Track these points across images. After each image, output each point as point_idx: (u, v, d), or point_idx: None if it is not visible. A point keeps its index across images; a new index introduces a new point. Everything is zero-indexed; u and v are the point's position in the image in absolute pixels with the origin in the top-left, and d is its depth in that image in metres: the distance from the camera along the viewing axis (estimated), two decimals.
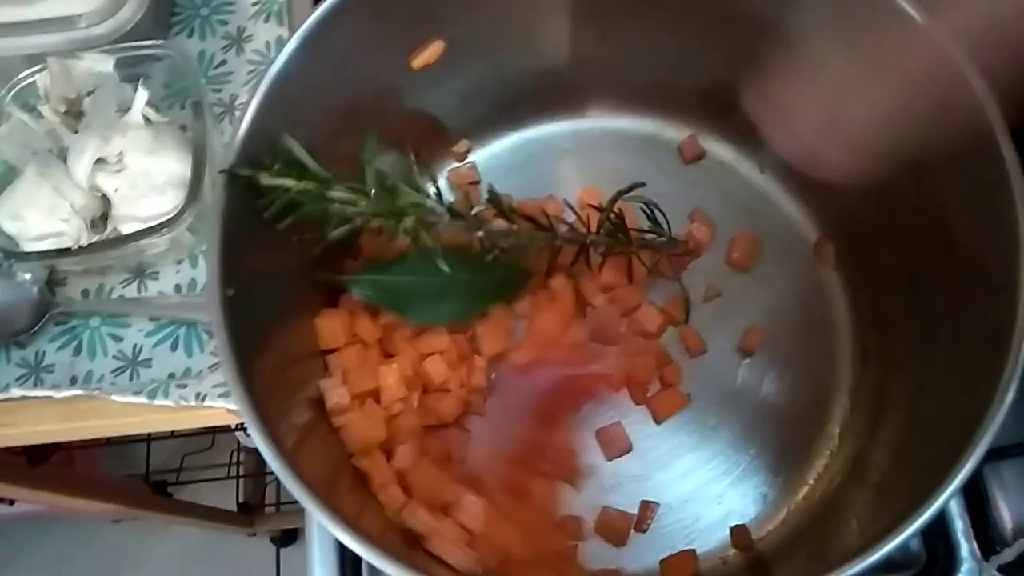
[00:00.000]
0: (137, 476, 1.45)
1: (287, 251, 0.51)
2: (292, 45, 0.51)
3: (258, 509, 1.44)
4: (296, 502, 1.38)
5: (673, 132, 0.66)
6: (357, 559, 0.53)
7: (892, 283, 0.56)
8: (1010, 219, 0.43)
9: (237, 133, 0.49)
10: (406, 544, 0.48)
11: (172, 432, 1.39)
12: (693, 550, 0.55)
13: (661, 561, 0.54)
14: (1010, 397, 0.41)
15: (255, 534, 1.43)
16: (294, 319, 0.55)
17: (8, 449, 1.03)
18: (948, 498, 0.40)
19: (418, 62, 0.57)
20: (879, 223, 0.57)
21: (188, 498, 1.34)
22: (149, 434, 1.43)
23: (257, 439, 0.43)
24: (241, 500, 1.43)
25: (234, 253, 0.47)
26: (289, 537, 1.49)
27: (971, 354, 0.46)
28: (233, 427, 1.27)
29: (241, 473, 1.45)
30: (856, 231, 0.60)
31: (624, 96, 0.66)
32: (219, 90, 0.69)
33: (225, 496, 1.41)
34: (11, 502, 1.06)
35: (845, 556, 0.40)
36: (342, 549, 0.53)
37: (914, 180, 0.51)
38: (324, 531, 0.53)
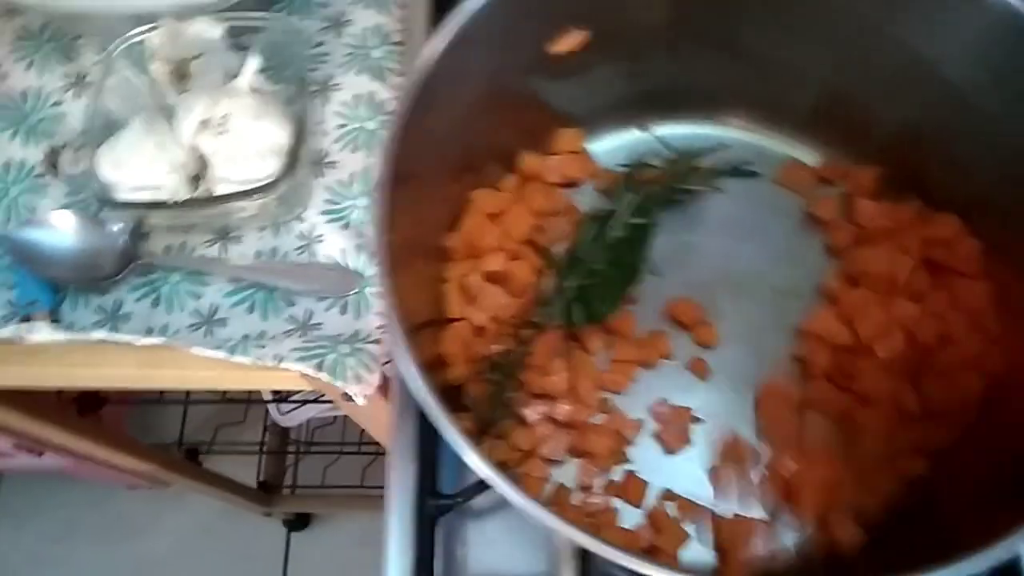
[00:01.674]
0: (165, 445, 1.47)
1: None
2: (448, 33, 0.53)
3: (276, 489, 1.45)
4: (314, 486, 1.41)
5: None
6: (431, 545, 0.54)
7: None
8: None
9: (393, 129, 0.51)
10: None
11: (223, 394, 1.41)
12: None
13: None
14: None
15: (270, 514, 1.44)
16: None
17: (60, 397, 1.06)
18: None
19: (559, 47, 0.58)
20: None
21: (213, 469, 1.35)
22: (186, 400, 1.45)
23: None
24: (262, 479, 1.45)
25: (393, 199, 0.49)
26: (302, 522, 1.50)
27: None
28: (269, 400, 1.30)
29: (265, 451, 1.46)
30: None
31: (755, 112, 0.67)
32: (315, 70, 0.71)
33: (247, 473, 1.43)
34: (40, 454, 1.08)
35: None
36: (418, 534, 0.53)
37: None
38: (404, 513, 0.53)
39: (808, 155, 0.67)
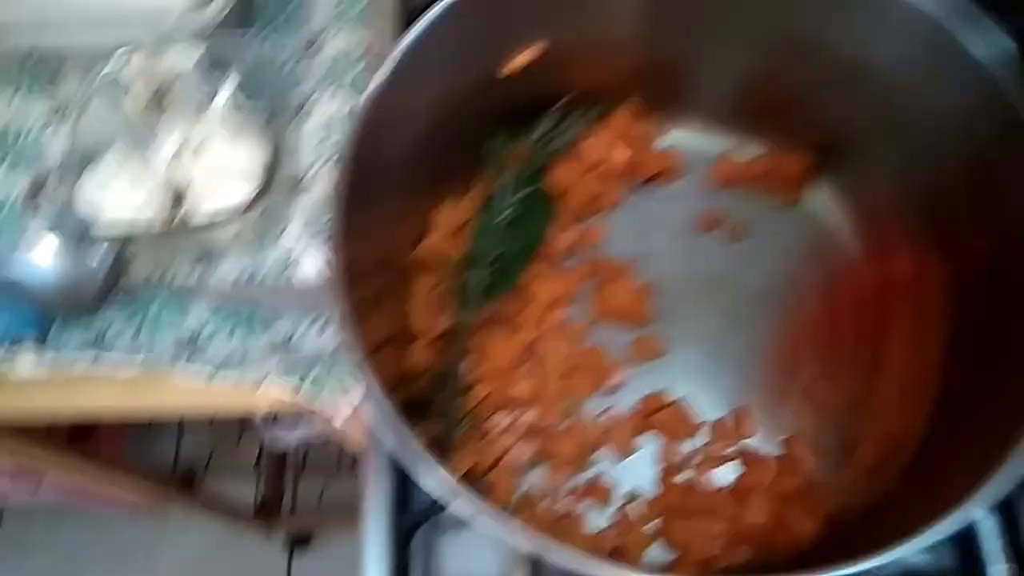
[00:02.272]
0: (162, 470, 1.47)
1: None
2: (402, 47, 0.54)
3: (275, 511, 1.45)
4: (312, 506, 1.40)
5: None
6: (407, 559, 0.55)
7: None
8: None
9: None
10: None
11: (211, 422, 1.42)
12: None
13: None
14: None
15: (270, 536, 1.44)
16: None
17: (51, 426, 1.06)
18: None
19: (517, 62, 0.59)
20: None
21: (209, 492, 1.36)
22: (180, 425, 1.45)
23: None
24: (260, 501, 1.45)
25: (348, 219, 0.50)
26: (302, 542, 1.50)
27: None
28: (262, 421, 1.30)
29: (263, 473, 1.46)
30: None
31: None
32: (295, 89, 0.72)
33: (244, 496, 1.43)
34: (35, 488, 1.08)
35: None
36: (394, 548, 0.53)
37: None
38: (379, 526, 0.54)
39: (740, 150, 0.68)
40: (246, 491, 1.44)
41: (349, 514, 1.45)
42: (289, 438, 1.29)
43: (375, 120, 0.51)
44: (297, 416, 1.26)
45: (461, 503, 0.39)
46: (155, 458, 1.49)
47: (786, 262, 0.64)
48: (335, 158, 0.50)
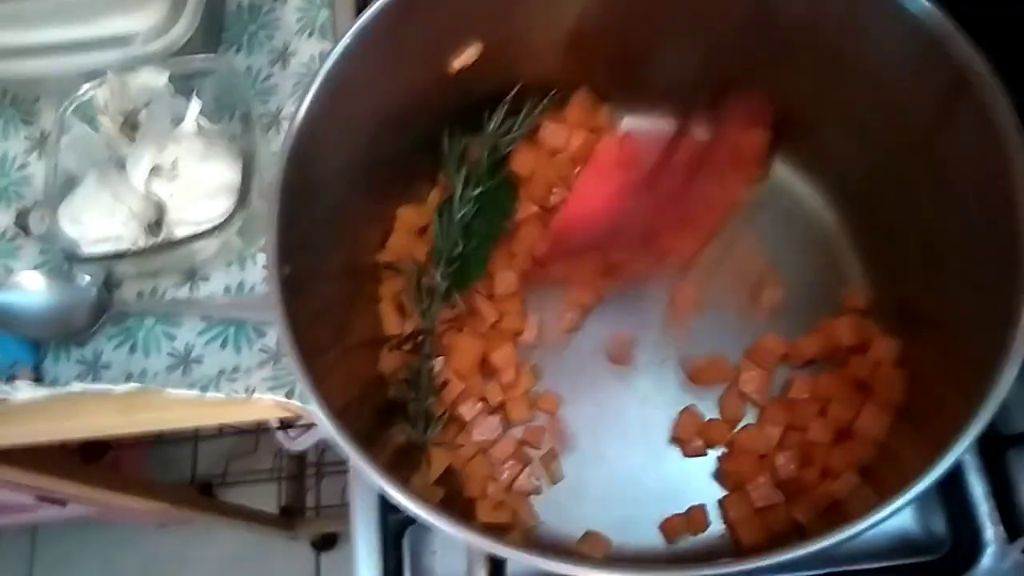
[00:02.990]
0: (183, 482, 1.49)
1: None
2: (336, 53, 0.54)
3: (298, 513, 1.47)
4: (336, 505, 1.42)
5: None
6: (399, 558, 0.56)
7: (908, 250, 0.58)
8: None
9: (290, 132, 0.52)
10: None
11: (220, 430, 1.44)
12: None
13: None
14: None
15: (295, 538, 1.46)
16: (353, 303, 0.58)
17: (64, 447, 1.08)
18: (960, 453, 0.41)
19: (463, 58, 0.59)
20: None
21: (231, 501, 1.38)
22: (196, 436, 1.47)
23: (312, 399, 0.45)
24: (282, 504, 1.47)
25: (291, 230, 0.49)
26: (329, 542, 1.52)
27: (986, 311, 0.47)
28: (276, 427, 1.32)
29: (283, 476, 1.48)
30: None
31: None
32: (266, 102, 0.73)
33: (267, 500, 1.45)
34: (63, 504, 1.10)
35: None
36: (385, 548, 0.55)
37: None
38: (369, 527, 0.55)
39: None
40: (268, 497, 1.46)
41: None
42: (305, 441, 1.31)
43: (316, 130, 0.51)
44: (309, 420, 1.28)
45: (419, 513, 0.40)
46: (173, 470, 1.51)
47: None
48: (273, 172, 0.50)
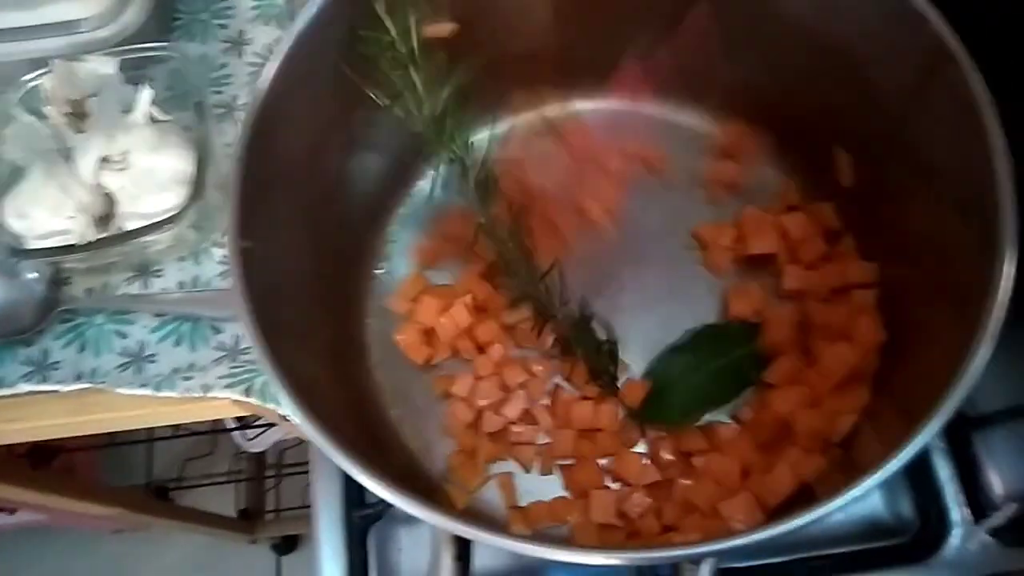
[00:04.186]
0: (138, 486, 1.45)
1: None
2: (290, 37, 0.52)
3: (258, 516, 1.45)
4: (297, 507, 1.39)
5: None
6: (364, 556, 0.54)
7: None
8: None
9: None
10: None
11: (176, 430, 1.41)
12: None
13: None
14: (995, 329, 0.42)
15: (255, 541, 1.43)
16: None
17: (11, 452, 1.05)
18: (932, 433, 0.41)
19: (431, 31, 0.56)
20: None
21: (188, 505, 1.35)
22: (151, 438, 1.44)
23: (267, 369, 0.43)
24: (241, 507, 1.44)
25: (251, 204, 0.47)
26: (290, 545, 1.50)
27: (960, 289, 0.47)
28: (233, 427, 1.30)
29: (241, 479, 1.45)
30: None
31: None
32: (220, 92, 0.71)
33: (225, 504, 1.42)
34: (12, 511, 1.07)
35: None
36: (350, 545, 0.53)
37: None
38: (332, 525, 0.53)
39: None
40: (226, 500, 1.43)
41: None
42: (263, 442, 1.29)
43: (280, 93, 0.49)
44: (267, 419, 1.26)
45: (387, 495, 0.38)
46: (127, 474, 1.47)
47: None
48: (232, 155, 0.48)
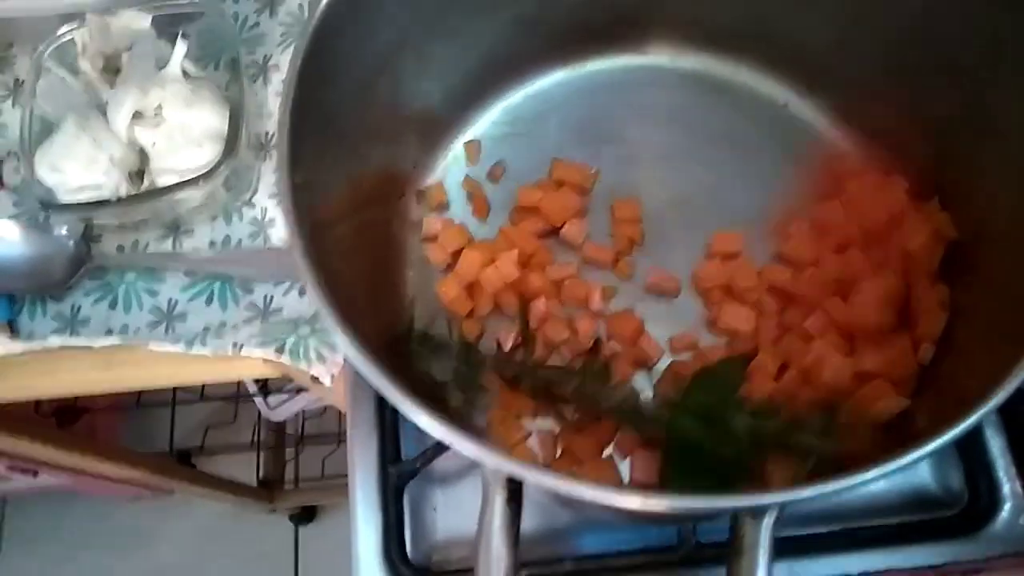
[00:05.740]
0: (160, 451, 1.46)
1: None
2: None
3: (277, 485, 1.45)
4: (316, 478, 1.39)
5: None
6: (400, 514, 0.54)
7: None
8: None
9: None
10: None
11: (201, 394, 1.41)
12: None
13: None
14: None
15: (274, 511, 1.44)
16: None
17: (38, 411, 1.05)
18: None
19: None
20: None
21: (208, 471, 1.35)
22: (174, 402, 1.44)
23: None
24: (261, 476, 1.44)
25: (301, 138, 0.45)
26: (308, 515, 1.50)
27: None
28: (256, 393, 1.29)
29: (262, 448, 1.45)
30: None
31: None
32: (252, 52, 0.70)
33: (245, 472, 1.42)
34: (35, 474, 1.07)
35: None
36: (385, 503, 0.52)
37: None
38: (368, 483, 0.52)
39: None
40: (247, 468, 1.43)
41: None
42: (285, 411, 1.29)
43: (327, 44, 0.46)
44: (291, 387, 1.26)
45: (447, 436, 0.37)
46: (149, 439, 1.48)
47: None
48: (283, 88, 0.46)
